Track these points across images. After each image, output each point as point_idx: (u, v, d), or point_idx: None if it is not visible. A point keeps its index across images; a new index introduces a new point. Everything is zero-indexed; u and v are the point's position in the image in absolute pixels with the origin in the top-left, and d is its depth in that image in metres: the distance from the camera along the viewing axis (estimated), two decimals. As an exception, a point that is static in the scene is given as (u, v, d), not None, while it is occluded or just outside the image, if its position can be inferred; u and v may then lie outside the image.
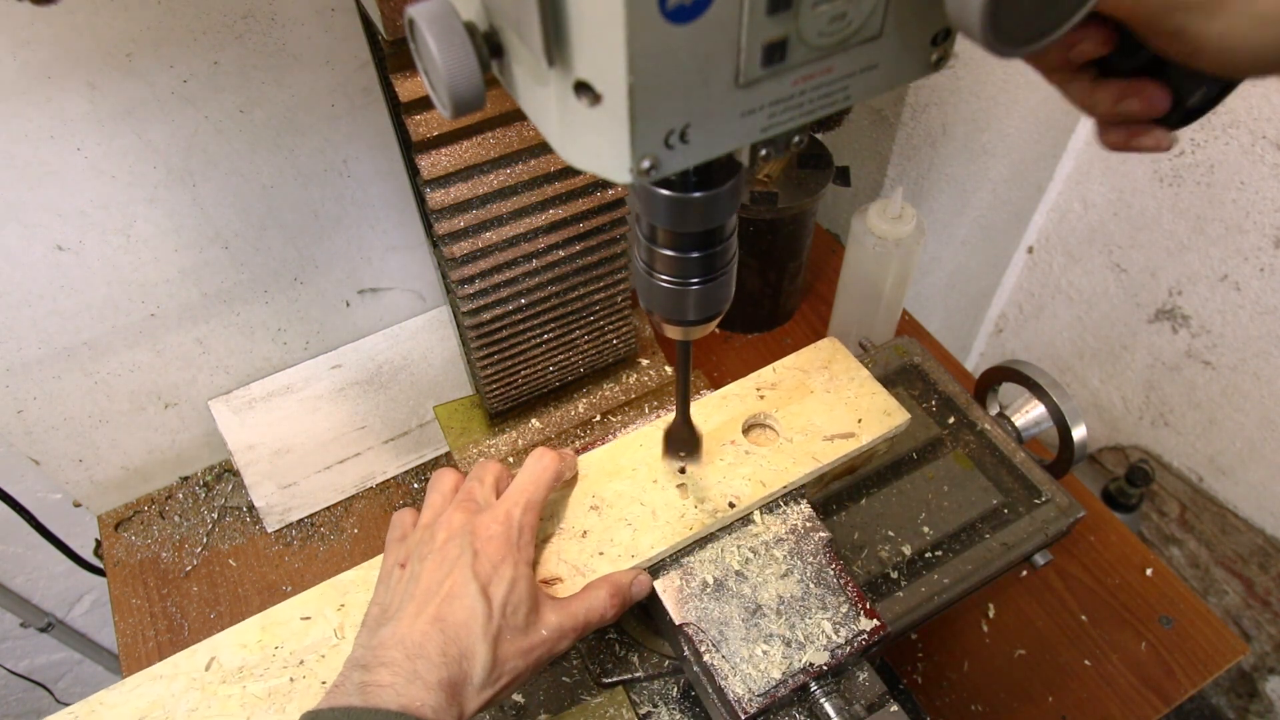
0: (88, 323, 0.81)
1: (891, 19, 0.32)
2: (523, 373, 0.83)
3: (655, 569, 0.60)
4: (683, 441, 0.61)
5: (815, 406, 0.66)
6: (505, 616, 0.50)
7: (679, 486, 0.62)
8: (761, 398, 0.67)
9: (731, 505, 0.61)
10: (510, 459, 0.86)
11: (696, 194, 0.38)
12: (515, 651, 0.50)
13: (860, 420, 0.65)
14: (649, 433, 0.65)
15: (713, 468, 0.63)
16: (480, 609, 0.49)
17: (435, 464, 1.01)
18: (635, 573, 0.58)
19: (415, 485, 1.00)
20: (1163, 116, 0.40)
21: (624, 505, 0.61)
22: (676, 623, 0.58)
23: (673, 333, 0.48)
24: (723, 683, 0.55)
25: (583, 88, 0.30)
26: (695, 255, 0.42)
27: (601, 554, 0.59)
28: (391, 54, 0.56)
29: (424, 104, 0.59)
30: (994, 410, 0.86)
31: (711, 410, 0.66)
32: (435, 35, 0.32)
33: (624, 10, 0.27)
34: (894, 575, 0.74)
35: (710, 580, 0.59)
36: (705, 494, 0.61)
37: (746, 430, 0.65)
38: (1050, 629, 0.87)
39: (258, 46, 0.71)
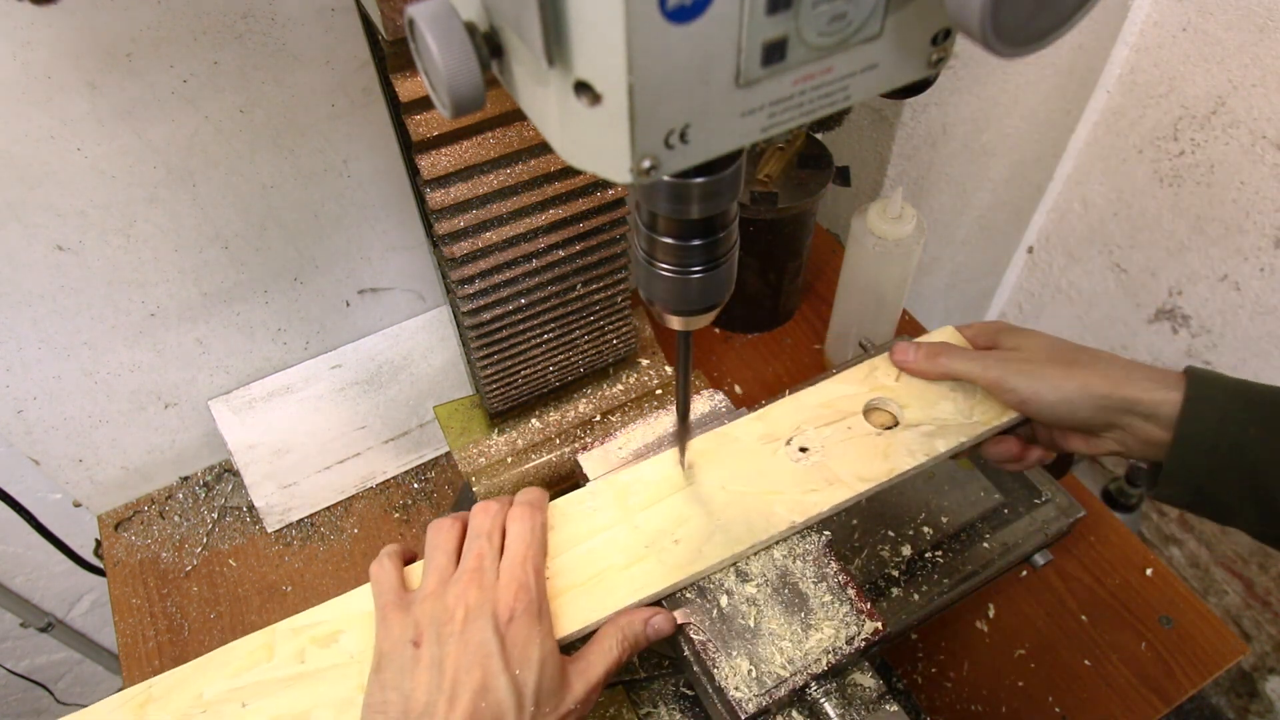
0: (88, 323, 0.81)
1: (891, 19, 0.32)
2: (523, 373, 0.83)
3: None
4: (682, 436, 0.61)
5: (938, 392, 0.66)
6: (538, 704, 0.50)
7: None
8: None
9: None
10: (510, 459, 0.86)
11: (698, 179, 0.38)
12: None
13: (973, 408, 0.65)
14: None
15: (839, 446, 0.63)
16: (511, 703, 0.49)
17: (435, 464, 1.01)
18: (648, 613, 0.57)
19: (415, 485, 1.00)
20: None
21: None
22: (677, 622, 0.58)
23: (674, 323, 0.47)
24: (723, 683, 0.55)
25: (583, 88, 0.30)
26: (697, 243, 0.42)
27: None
28: (391, 54, 0.56)
29: (424, 104, 0.59)
30: (994, 410, 0.86)
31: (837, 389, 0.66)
32: (435, 35, 0.32)
33: (624, 10, 0.27)
34: (894, 575, 0.74)
35: (710, 580, 0.59)
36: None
37: (868, 413, 0.65)
38: (1050, 629, 0.87)
39: (258, 46, 0.71)
